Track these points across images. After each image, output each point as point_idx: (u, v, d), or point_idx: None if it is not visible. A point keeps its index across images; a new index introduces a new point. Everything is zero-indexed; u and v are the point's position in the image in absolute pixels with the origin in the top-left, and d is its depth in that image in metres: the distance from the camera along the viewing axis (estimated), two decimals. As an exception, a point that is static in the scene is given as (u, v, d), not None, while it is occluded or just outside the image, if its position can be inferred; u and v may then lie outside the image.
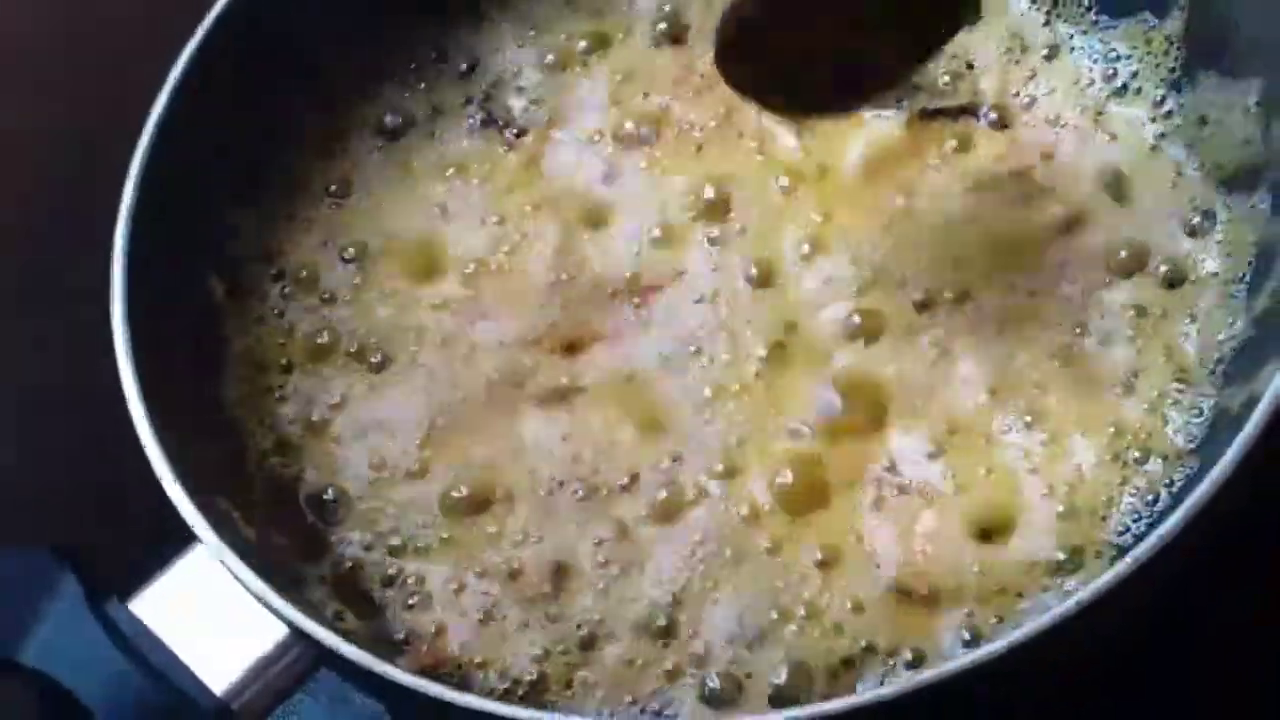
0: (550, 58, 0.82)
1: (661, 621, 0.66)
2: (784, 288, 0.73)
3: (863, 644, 0.64)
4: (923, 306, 0.71)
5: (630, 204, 0.77)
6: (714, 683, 0.64)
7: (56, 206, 0.82)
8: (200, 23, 0.75)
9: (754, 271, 0.74)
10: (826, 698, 0.61)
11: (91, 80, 0.83)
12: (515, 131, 0.81)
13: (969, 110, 0.76)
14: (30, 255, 0.82)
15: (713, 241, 0.75)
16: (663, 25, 0.82)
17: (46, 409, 0.84)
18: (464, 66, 0.83)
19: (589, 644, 0.66)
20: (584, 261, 0.76)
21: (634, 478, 0.70)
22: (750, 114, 0.77)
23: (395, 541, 0.71)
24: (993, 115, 0.76)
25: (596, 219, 0.77)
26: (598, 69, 0.82)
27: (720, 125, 0.78)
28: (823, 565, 0.66)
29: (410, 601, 0.69)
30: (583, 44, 0.82)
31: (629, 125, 0.79)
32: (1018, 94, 0.76)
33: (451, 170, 0.80)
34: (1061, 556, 0.64)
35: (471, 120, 0.81)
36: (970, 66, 0.77)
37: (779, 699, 0.63)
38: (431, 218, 0.79)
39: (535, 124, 0.81)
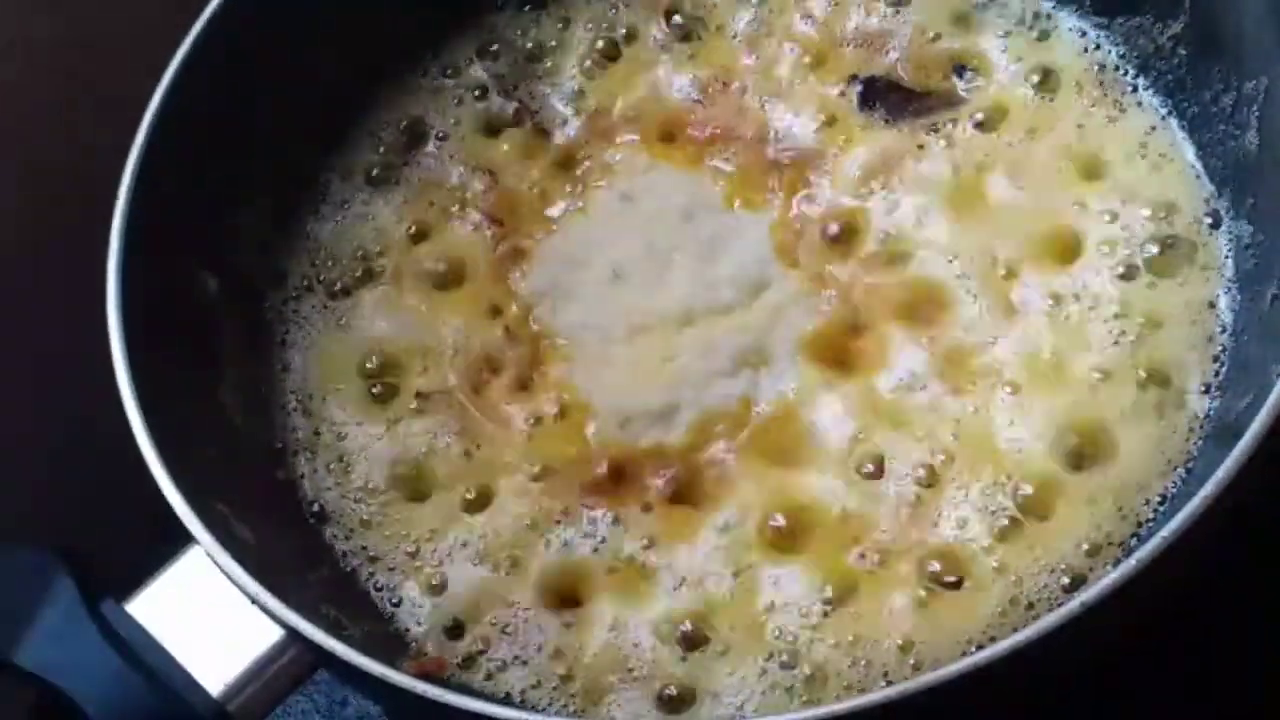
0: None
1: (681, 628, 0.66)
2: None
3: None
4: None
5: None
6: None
7: (54, 208, 0.82)
8: (195, 21, 0.75)
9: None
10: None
11: (90, 79, 0.83)
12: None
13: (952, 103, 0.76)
14: (27, 256, 0.82)
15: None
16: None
17: (43, 410, 0.84)
18: (462, 62, 0.83)
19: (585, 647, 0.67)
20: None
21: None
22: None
23: (394, 545, 0.70)
24: (980, 116, 0.76)
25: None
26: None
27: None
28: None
29: (408, 605, 0.69)
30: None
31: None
32: (1019, 96, 0.76)
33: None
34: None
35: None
36: (974, 69, 0.77)
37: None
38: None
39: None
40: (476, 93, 0.82)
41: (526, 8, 0.84)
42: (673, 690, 0.65)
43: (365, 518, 0.71)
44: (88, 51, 0.85)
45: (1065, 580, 0.64)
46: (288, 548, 0.69)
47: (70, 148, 0.82)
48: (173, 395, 0.68)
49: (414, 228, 0.79)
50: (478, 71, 0.83)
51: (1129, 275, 0.70)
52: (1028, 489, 0.66)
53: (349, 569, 0.70)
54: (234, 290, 0.76)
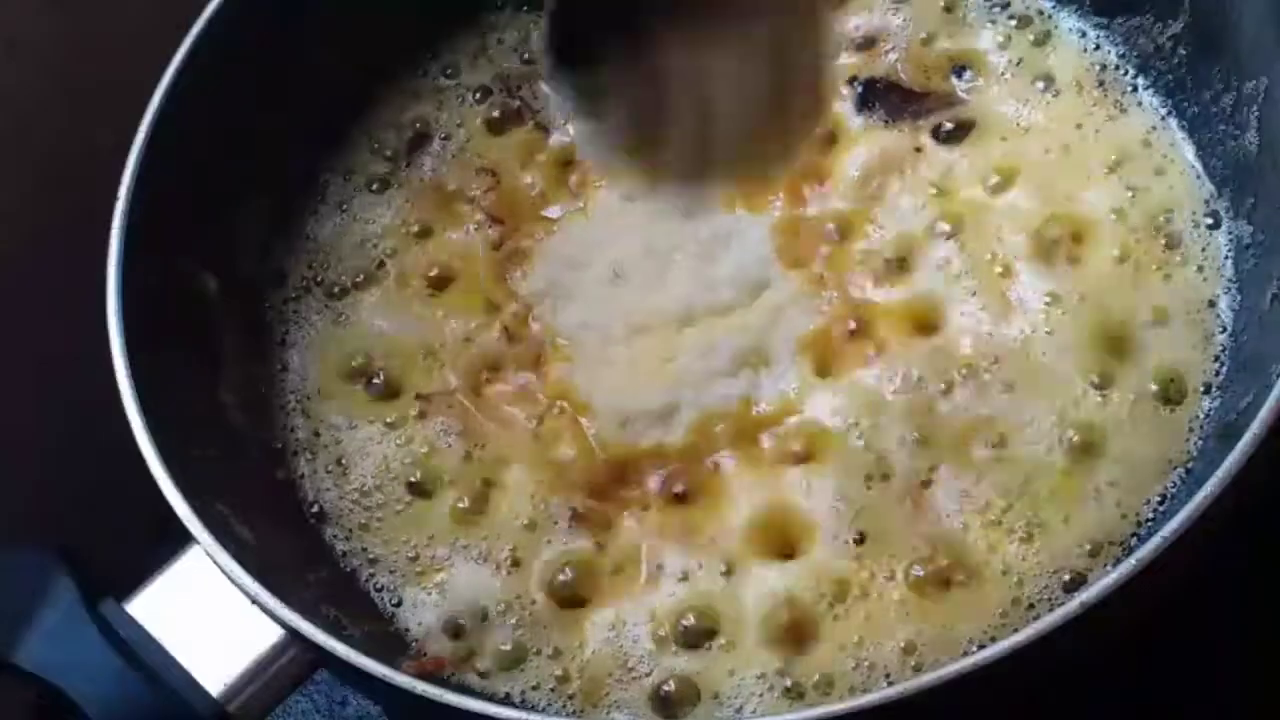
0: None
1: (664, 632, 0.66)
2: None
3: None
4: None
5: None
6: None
7: (54, 208, 0.82)
8: (195, 21, 0.75)
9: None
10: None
11: (90, 79, 0.83)
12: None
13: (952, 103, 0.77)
14: (27, 256, 0.82)
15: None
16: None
17: (43, 410, 0.84)
18: (462, 62, 0.83)
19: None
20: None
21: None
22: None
23: (394, 545, 0.70)
24: (979, 117, 0.76)
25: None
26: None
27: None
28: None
29: (408, 605, 0.69)
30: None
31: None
32: (1019, 96, 0.76)
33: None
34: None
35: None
36: (974, 69, 0.77)
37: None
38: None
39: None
40: (477, 93, 0.82)
41: (526, 8, 0.84)
42: (671, 690, 0.65)
43: (365, 519, 0.71)
44: (88, 51, 0.85)
45: (1065, 580, 0.64)
46: (288, 548, 0.69)
47: (70, 148, 0.82)
48: (173, 395, 0.68)
49: (414, 227, 0.79)
50: (478, 71, 0.83)
51: (1128, 275, 0.70)
52: (1028, 489, 0.66)
53: (349, 569, 0.70)
54: (234, 290, 0.76)
